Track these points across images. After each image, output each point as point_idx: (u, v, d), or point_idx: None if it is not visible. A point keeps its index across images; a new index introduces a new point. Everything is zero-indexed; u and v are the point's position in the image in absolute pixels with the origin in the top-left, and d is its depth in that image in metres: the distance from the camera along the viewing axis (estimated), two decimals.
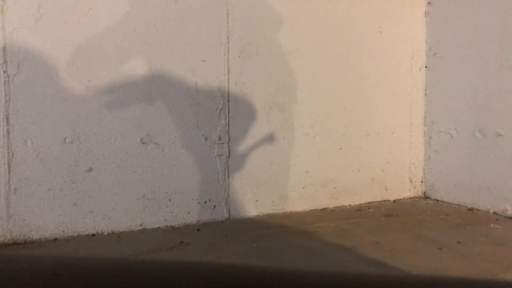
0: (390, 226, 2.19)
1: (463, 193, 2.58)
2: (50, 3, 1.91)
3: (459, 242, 1.92)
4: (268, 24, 2.37)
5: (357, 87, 2.64)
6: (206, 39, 2.22)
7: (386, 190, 2.76)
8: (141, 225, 2.12)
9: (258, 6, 2.33)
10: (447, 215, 2.42)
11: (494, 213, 2.40)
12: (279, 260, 1.72)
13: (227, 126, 2.29)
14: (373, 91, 2.69)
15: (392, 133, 2.77)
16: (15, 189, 1.89)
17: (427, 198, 2.83)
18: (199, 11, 2.20)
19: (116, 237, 2.02)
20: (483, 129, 2.46)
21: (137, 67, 2.08)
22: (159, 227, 2.15)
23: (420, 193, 2.87)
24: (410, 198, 2.83)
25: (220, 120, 2.27)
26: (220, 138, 2.27)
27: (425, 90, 2.84)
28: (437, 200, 2.76)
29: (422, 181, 2.87)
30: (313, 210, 2.53)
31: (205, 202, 2.26)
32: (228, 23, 2.26)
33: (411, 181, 2.84)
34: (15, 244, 1.89)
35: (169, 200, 2.17)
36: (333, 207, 2.58)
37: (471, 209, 2.50)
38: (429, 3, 2.80)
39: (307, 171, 2.52)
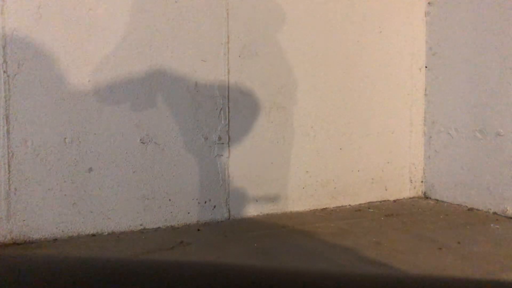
0: (390, 226, 2.19)
1: (463, 193, 2.58)
2: (50, 3, 1.91)
3: (459, 242, 1.92)
4: (268, 24, 2.37)
5: (357, 87, 2.64)
6: (206, 39, 2.22)
7: (386, 190, 2.76)
8: (141, 225, 2.12)
9: (258, 6, 2.33)
10: (447, 215, 2.42)
11: (494, 213, 2.40)
12: (279, 260, 1.72)
13: (227, 126, 2.29)
14: (373, 91, 2.68)
15: (392, 133, 2.77)
16: (15, 189, 1.89)
17: (427, 198, 2.83)
18: (199, 11, 2.20)
19: (116, 237, 2.02)
20: (483, 129, 2.46)
21: (137, 67, 2.08)
22: (159, 227, 2.15)
23: (420, 193, 2.87)
24: (410, 198, 2.83)
25: (220, 120, 2.27)
26: (220, 138, 2.27)
27: (425, 90, 2.84)
28: (437, 200, 2.76)
29: (422, 181, 2.87)
30: (313, 210, 2.53)
31: (205, 202, 2.26)
32: (228, 23, 2.26)
33: (411, 181, 2.84)
34: (15, 244, 1.89)
35: (169, 200, 2.17)
36: (333, 207, 2.58)
37: (471, 209, 2.50)
38: (429, 3, 2.79)
39: (307, 171, 2.52)
